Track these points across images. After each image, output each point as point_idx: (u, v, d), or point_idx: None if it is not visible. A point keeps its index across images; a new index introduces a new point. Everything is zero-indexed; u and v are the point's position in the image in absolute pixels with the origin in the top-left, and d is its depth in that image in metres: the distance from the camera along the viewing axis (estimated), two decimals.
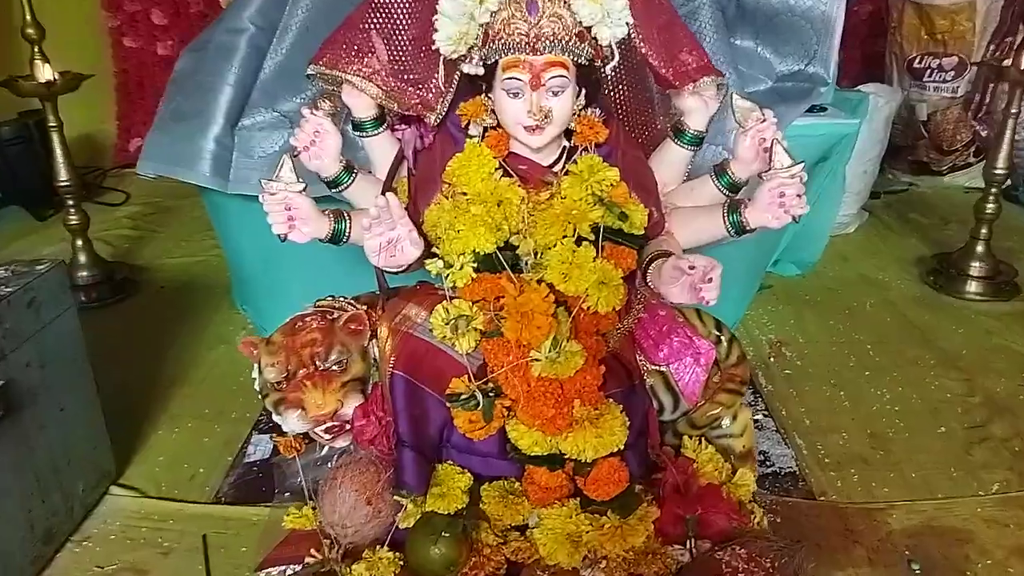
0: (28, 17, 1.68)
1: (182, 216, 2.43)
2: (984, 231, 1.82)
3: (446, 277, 0.83)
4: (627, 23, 0.83)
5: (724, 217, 0.88)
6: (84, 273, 1.85)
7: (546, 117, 0.84)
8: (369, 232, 0.81)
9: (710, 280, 0.76)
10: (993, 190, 1.78)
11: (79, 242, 1.85)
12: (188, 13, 2.95)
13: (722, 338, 0.98)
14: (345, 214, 0.90)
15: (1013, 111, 1.72)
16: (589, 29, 0.84)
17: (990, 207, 1.78)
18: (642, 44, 0.88)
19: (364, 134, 0.95)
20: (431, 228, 0.87)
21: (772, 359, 1.52)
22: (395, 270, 0.85)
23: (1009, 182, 2.43)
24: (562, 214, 0.83)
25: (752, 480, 0.95)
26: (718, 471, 0.92)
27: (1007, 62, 1.73)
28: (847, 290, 1.85)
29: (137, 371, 1.51)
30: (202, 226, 2.23)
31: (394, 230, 0.80)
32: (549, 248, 0.84)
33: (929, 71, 2.49)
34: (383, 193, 0.86)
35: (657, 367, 0.93)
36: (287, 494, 1.10)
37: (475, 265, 0.83)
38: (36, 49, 1.70)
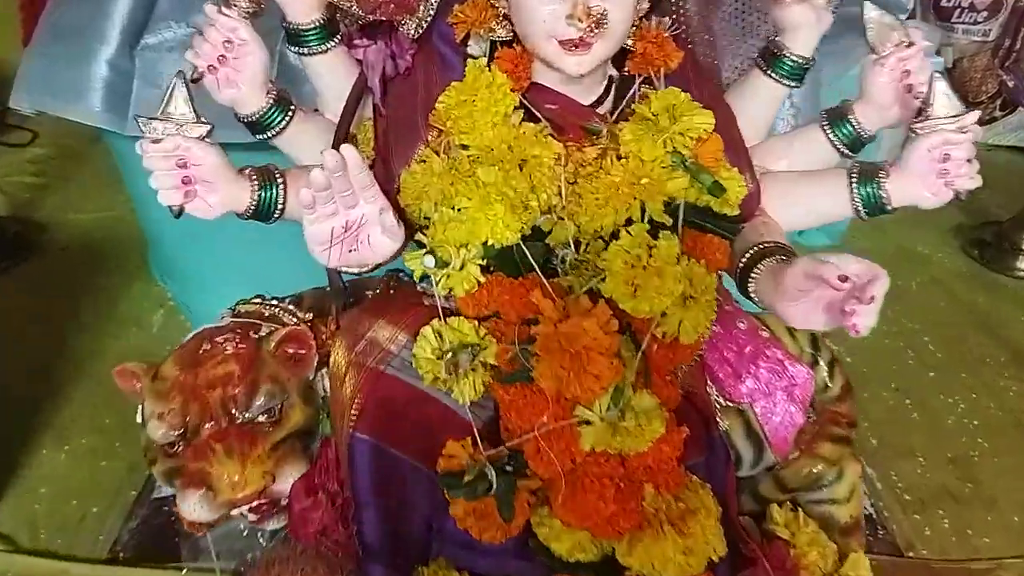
0: None
1: (98, 162, 2.05)
2: None
3: (438, 281, 0.52)
4: None
5: (852, 189, 0.59)
6: None
7: (597, 24, 0.52)
8: (313, 210, 0.49)
9: (871, 300, 0.47)
10: None
11: None
12: None
13: (820, 359, 0.69)
14: (277, 174, 0.58)
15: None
16: None
17: None
18: None
19: (306, 50, 0.62)
20: (413, 201, 0.56)
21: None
22: (356, 270, 0.53)
23: None
24: (624, 185, 0.52)
25: (868, 569, 0.67)
26: (823, 558, 0.64)
27: None
28: (887, 266, 1.54)
29: (20, 361, 1.18)
30: (117, 176, 1.86)
31: (355, 208, 0.49)
32: (601, 237, 0.53)
33: (959, 10, 2.21)
34: (335, 145, 0.54)
35: (736, 404, 0.64)
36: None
37: (484, 262, 0.52)
38: None
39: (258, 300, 0.62)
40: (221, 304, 0.79)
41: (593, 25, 0.52)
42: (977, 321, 1.38)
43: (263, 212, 0.57)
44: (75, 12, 1.08)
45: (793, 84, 0.66)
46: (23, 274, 1.50)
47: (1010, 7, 2.19)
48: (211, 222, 0.92)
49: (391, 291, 0.59)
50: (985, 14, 2.21)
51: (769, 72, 0.65)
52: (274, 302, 0.62)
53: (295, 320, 0.60)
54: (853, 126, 0.63)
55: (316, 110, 0.66)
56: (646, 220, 0.53)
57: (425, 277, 0.54)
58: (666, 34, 0.59)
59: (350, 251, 0.50)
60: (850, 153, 0.64)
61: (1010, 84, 2.31)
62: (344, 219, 0.49)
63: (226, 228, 1.08)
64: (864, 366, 1.23)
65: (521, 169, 0.53)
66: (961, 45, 2.27)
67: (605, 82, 0.61)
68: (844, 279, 0.48)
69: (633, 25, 0.58)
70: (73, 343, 1.26)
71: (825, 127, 0.64)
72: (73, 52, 1.05)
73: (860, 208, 0.60)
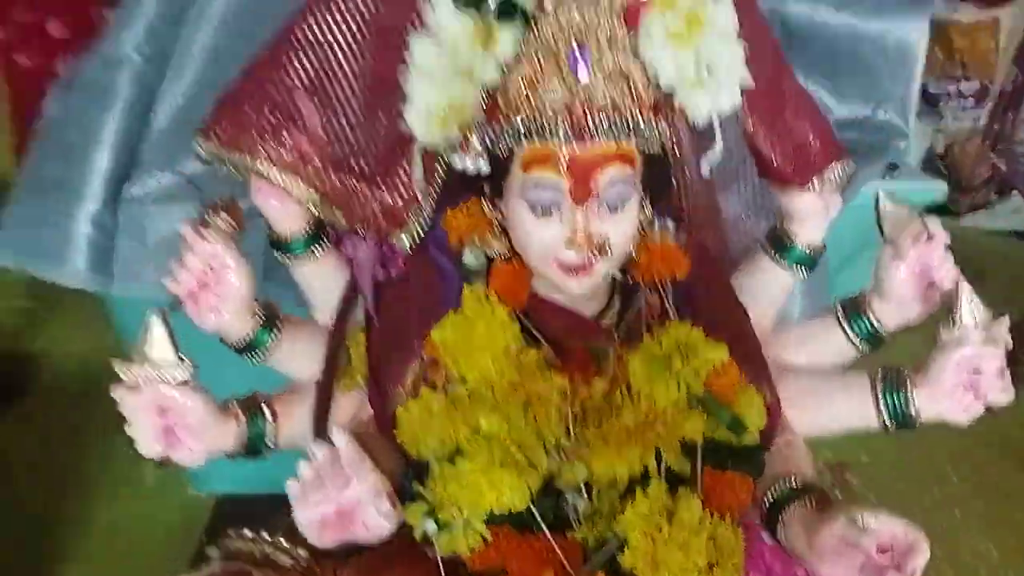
0: None
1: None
2: None
3: (441, 542, 0.47)
4: (741, 84, 0.49)
5: (877, 401, 0.55)
6: None
7: (600, 249, 0.49)
8: (303, 498, 0.45)
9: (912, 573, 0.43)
10: None
11: None
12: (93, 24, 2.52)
13: None
14: (264, 406, 0.54)
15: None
16: (670, 96, 0.49)
17: None
18: (748, 117, 0.54)
19: (291, 257, 0.59)
20: (409, 442, 0.51)
21: (836, 492, 1.20)
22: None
23: None
24: (637, 429, 0.48)
25: None
26: None
27: None
28: None
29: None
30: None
31: (347, 489, 0.44)
32: (614, 488, 0.48)
33: (947, 97, 2.23)
34: (325, 376, 0.50)
35: None
36: None
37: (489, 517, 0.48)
38: None
39: (250, 535, 0.57)
40: None
41: (596, 251, 0.48)
42: (1001, 447, 1.32)
43: (254, 447, 0.53)
44: (56, 165, 1.06)
45: (804, 270, 0.63)
46: (3, 420, 1.44)
47: (997, 93, 2.22)
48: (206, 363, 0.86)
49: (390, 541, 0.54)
50: (972, 100, 2.24)
51: (777, 258, 0.62)
52: (267, 537, 0.56)
53: (291, 560, 0.55)
54: (870, 322, 0.60)
55: (301, 316, 0.62)
56: (663, 469, 0.49)
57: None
58: (671, 239, 0.56)
59: (342, 532, 0.46)
60: (868, 347, 0.61)
61: (1003, 168, 2.34)
62: (335, 504, 0.45)
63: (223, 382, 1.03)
64: (889, 499, 1.18)
65: (526, 410, 0.49)
66: (951, 131, 2.30)
67: (609, 289, 0.57)
68: (882, 550, 0.43)
69: (638, 231, 0.55)
70: (55, 508, 1.19)
71: (841, 320, 0.61)
72: (55, 209, 1.02)
73: (887, 421, 0.55)
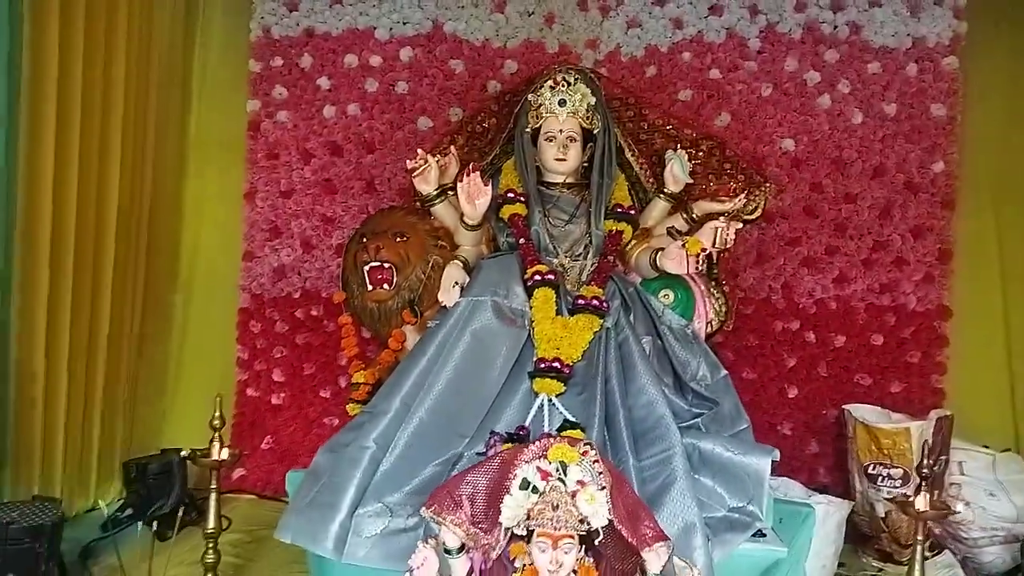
0: (217, 413, 2.45)
1: (274, 545, 2.96)
2: None
3: None
4: (607, 516, 1.49)
5: None
6: None
7: (560, 567, 1.46)
8: None
9: None
10: None
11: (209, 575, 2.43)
12: (302, 376, 3.80)
13: None
14: None
15: (919, 538, 2.27)
16: (583, 520, 1.49)
17: None
18: (617, 523, 1.53)
19: (451, 557, 1.58)
20: None
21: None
22: None
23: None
24: None
25: None
26: None
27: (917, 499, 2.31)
28: None
29: None
30: (290, 558, 2.81)
31: None
32: None
33: (881, 477, 3.09)
34: None
35: None
36: None
37: None
38: (217, 435, 2.44)
39: None
40: None
41: (559, 566, 1.45)
42: None
43: None
44: (324, 495, 2.11)
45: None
46: None
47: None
48: None
49: None
50: (900, 482, 3.07)
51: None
52: None
53: None
54: None
55: None
56: None
57: None
58: (589, 564, 1.50)
59: None
60: None
61: (936, 531, 3.11)
62: None
63: None
64: None
65: None
66: (887, 501, 3.11)
67: None
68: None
69: (577, 559, 1.50)
70: None
71: None
72: (321, 516, 2.05)
73: None
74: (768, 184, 2.80)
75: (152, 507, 3.11)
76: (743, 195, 2.65)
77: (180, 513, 1.93)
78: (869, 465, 3.12)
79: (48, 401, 2.88)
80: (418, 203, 2.74)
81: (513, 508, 1.48)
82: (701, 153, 2.81)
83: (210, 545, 2.43)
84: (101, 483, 3.27)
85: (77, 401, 3.06)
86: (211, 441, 2.44)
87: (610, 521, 1.49)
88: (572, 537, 1.47)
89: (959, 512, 2.85)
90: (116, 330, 3.27)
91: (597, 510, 1.47)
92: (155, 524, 3.05)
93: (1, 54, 2.62)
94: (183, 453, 2.52)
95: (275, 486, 3.51)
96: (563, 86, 2.65)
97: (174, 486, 3.08)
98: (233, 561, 2.90)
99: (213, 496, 2.44)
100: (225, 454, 2.40)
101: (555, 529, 1.46)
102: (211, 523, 2.42)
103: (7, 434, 2.72)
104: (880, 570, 3.08)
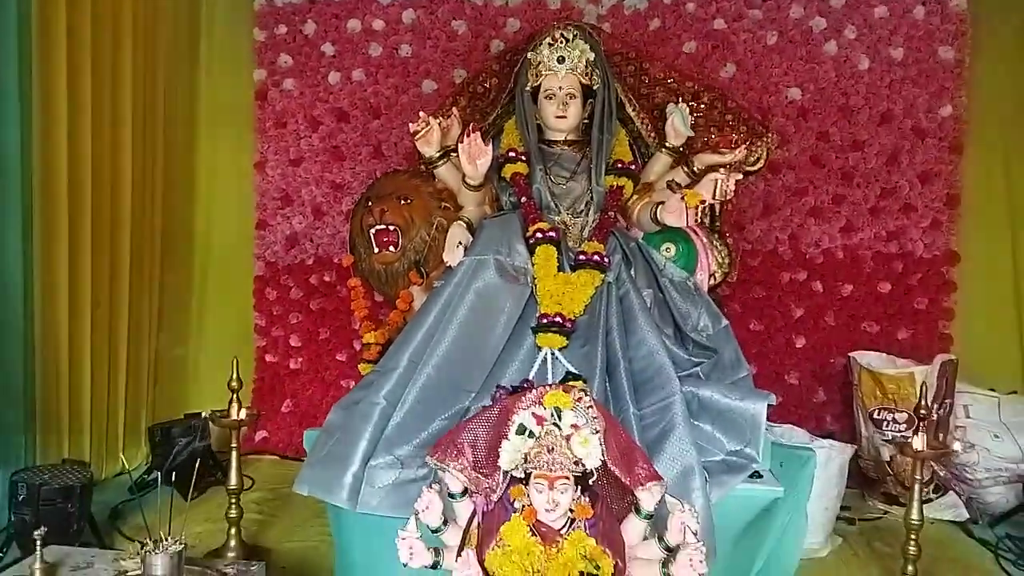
0: (235, 374, 2.54)
1: (295, 503, 3.11)
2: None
3: None
4: (600, 457, 1.55)
5: (660, 569, 1.53)
6: (232, 555, 2.52)
7: (557, 506, 1.53)
8: None
9: None
10: (913, 537, 2.32)
11: (232, 531, 2.55)
12: (318, 340, 3.90)
13: None
14: (441, 551, 1.58)
15: (917, 477, 2.33)
16: (578, 462, 1.56)
17: (912, 549, 2.31)
18: (611, 464, 1.59)
19: (455, 501, 1.66)
20: (490, 566, 1.53)
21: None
22: None
23: (968, 516, 3.00)
24: (563, 563, 1.49)
25: None
26: None
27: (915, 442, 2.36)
28: None
29: None
30: (312, 514, 2.92)
31: None
32: None
33: (886, 422, 3.13)
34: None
35: None
36: None
37: None
38: (235, 396, 2.53)
39: None
40: None
41: (556, 506, 1.52)
42: None
43: (435, 565, 1.55)
44: (338, 447, 2.19)
45: (648, 520, 1.62)
46: None
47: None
48: (381, 566, 1.89)
49: None
50: (905, 425, 3.11)
51: (636, 515, 1.62)
52: None
53: None
54: (666, 542, 1.58)
55: (456, 520, 1.68)
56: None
57: None
58: (584, 503, 1.57)
59: None
60: (667, 553, 1.58)
61: (940, 472, 3.15)
62: None
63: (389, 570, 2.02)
64: None
65: (528, 555, 1.49)
66: (895, 444, 3.16)
67: (566, 519, 1.59)
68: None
69: (574, 499, 1.57)
70: None
71: (656, 542, 1.59)
72: (336, 469, 2.14)
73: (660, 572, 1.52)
74: (770, 134, 2.80)
75: (176, 468, 3.23)
76: (744, 146, 2.66)
77: (196, 468, 2.01)
78: (874, 411, 3.17)
79: (73, 370, 2.99)
80: (421, 166, 2.78)
81: (511, 452, 1.55)
82: (703, 106, 2.81)
83: (233, 501, 2.55)
84: (128, 448, 3.40)
85: (101, 369, 3.18)
86: (229, 402, 2.54)
87: (604, 462, 1.56)
88: (567, 478, 1.53)
89: (956, 451, 2.90)
90: (136, 301, 3.37)
91: (591, 452, 1.53)
92: (173, 481, 3.21)
93: (10, 33, 2.67)
94: (204, 414, 2.62)
95: (296, 447, 3.63)
96: (561, 43, 2.66)
97: (196, 447, 3.20)
98: (257, 518, 3.03)
99: (234, 455, 2.55)
100: (243, 414, 2.50)
101: (551, 471, 1.53)
102: (233, 481, 2.53)
103: (36, 402, 2.84)
104: (886, 513, 3.14)
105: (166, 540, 1.62)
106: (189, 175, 3.87)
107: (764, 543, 2.19)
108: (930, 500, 3.08)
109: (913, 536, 2.32)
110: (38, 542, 1.67)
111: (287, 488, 3.26)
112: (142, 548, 1.61)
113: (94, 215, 3.04)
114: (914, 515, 2.32)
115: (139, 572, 1.66)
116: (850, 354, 3.31)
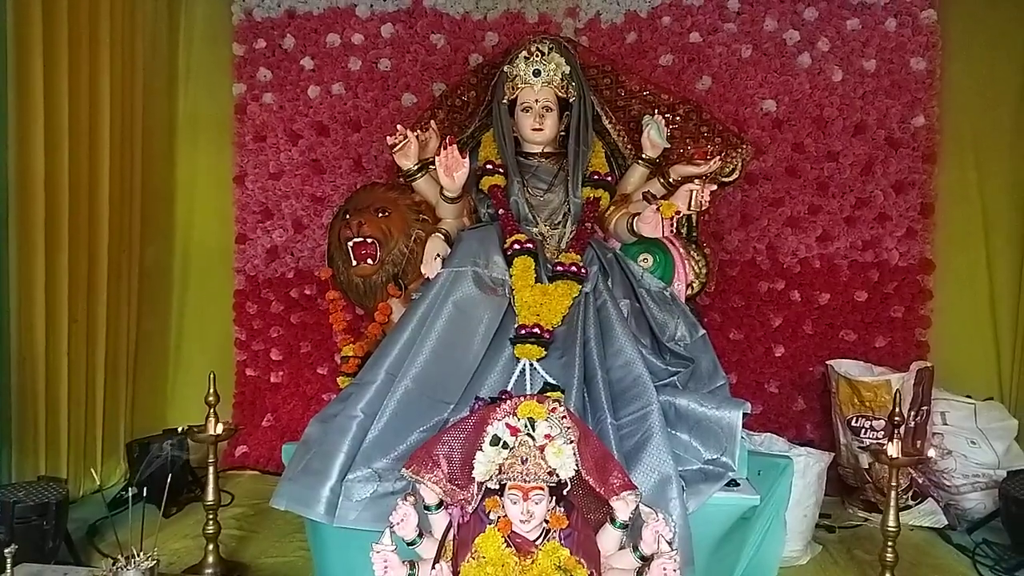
0: (211, 389, 2.52)
1: (275, 518, 3.09)
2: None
3: None
4: (574, 467, 1.55)
5: None
6: (209, 571, 2.49)
7: (532, 516, 1.53)
8: None
9: None
10: (890, 544, 2.33)
11: (210, 547, 2.53)
12: (299, 354, 3.88)
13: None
14: (416, 564, 1.57)
15: (893, 484, 2.34)
16: (552, 472, 1.56)
17: (889, 556, 2.33)
18: (585, 474, 1.59)
19: (430, 513, 1.66)
20: None
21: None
22: None
23: (946, 522, 3.02)
24: (538, 574, 1.49)
25: None
26: None
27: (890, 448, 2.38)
28: None
29: None
30: (291, 529, 2.90)
31: None
32: None
33: (864, 430, 3.15)
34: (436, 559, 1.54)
35: None
36: None
37: None
38: (212, 411, 2.52)
39: None
40: None
41: (530, 516, 1.52)
42: None
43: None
44: (315, 462, 2.19)
45: (623, 531, 1.62)
46: None
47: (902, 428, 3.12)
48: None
49: None
50: (882, 432, 3.13)
51: (612, 526, 1.62)
52: None
53: None
54: (641, 551, 1.58)
55: (430, 533, 1.67)
56: None
57: None
58: (560, 514, 1.57)
59: None
60: (640, 562, 1.58)
61: (919, 480, 3.18)
62: None
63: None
64: None
65: (502, 567, 1.49)
66: (871, 451, 3.17)
67: (541, 530, 1.58)
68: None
69: (549, 509, 1.57)
70: None
71: (630, 552, 1.59)
72: (313, 483, 2.13)
73: None
74: (745, 146, 2.83)
75: (152, 484, 3.20)
76: (719, 158, 2.69)
77: (168, 484, 2.00)
78: (852, 418, 3.19)
79: (50, 385, 2.97)
80: (400, 178, 2.79)
81: (485, 463, 1.55)
82: (678, 118, 2.84)
83: (210, 517, 2.52)
84: (106, 464, 3.37)
85: (78, 385, 3.15)
86: (207, 417, 2.52)
87: (578, 472, 1.56)
88: (542, 489, 1.54)
89: (931, 458, 2.92)
90: (114, 315, 3.35)
91: (564, 462, 1.54)
92: (147, 497, 3.18)
93: None
94: (180, 429, 2.60)
95: (276, 462, 3.59)
96: (537, 56, 2.69)
97: (174, 461, 3.17)
98: (236, 533, 3.00)
99: (211, 470, 2.53)
100: (220, 429, 2.48)
101: (525, 481, 1.53)
102: (210, 496, 2.51)
103: (11, 417, 2.80)
104: (865, 520, 3.15)
105: (138, 556, 1.60)
106: (168, 189, 3.85)
107: (743, 551, 2.20)
108: (909, 507, 3.11)
109: (890, 543, 2.34)
110: (8, 560, 1.65)
111: (267, 503, 3.22)
112: (114, 564, 1.59)
113: (71, 229, 3.02)
114: (891, 522, 2.33)
115: None
116: (828, 362, 3.34)
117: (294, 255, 3.84)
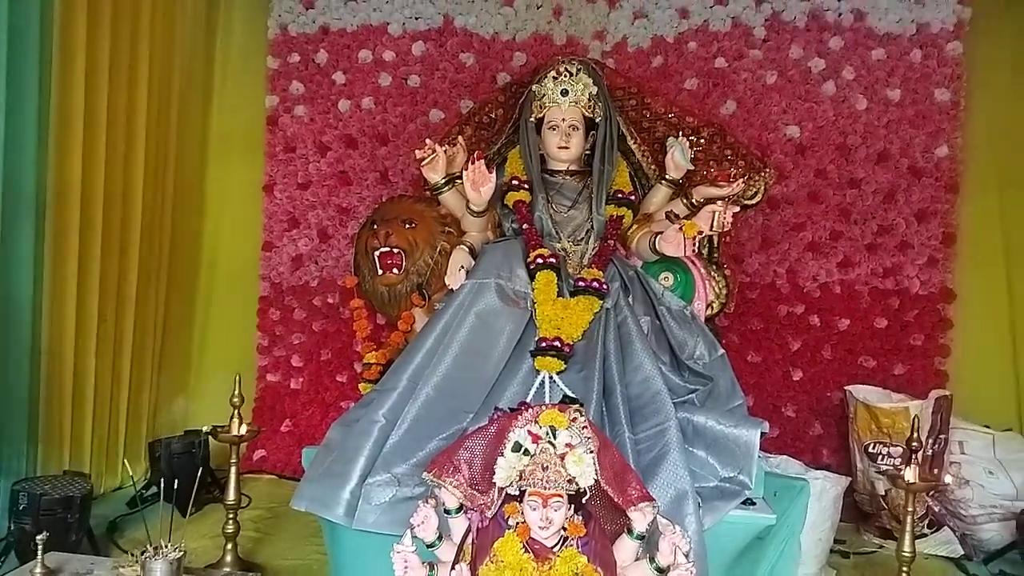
0: (237, 391, 2.58)
1: (292, 521, 3.12)
2: None
3: None
4: (594, 476, 1.58)
5: None
6: (227, 570, 2.53)
7: (550, 523, 1.56)
8: None
9: None
10: (904, 569, 2.33)
11: (229, 546, 2.57)
12: (319, 361, 3.93)
13: None
14: (435, 565, 1.60)
15: (909, 509, 2.34)
16: (572, 480, 1.59)
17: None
18: (604, 483, 1.62)
19: (450, 517, 1.69)
20: None
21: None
22: None
23: (963, 552, 3.00)
24: None
25: None
26: None
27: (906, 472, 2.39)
28: None
29: None
30: (307, 532, 2.94)
31: None
32: None
33: (881, 456, 3.15)
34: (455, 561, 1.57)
35: None
36: None
37: None
38: (237, 412, 2.57)
39: None
40: None
41: (549, 523, 1.55)
42: None
43: None
44: (337, 465, 2.22)
45: (640, 541, 1.65)
46: None
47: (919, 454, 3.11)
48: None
49: None
50: (900, 459, 3.13)
51: (628, 536, 1.64)
52: None
53: None
54: (658, 563, 1.60)
55: (450, 537, 1.70)
56: None
57: None
58: (577, 521, 1.60)
59: None
60: (658, 574, 1.60)
61: (935, 508, 3.16)
62: None
63: None
64: None
65: (520, 572, 1.52)
66: (887, 475, 3.16)
67: (558, 537, 1.61)
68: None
69: (567, 517, 1.60)
70: None
71: (646, 563, 1.61)
72: (333, 485, 2.17)
73: None
74: (767, 169, 2.86)
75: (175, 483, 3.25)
76: (741, 180, 2.72)
77: (195, 485, 2.04)
78: (869, 444, 3.18)
79: (77, 383, 3.03)
80: (427, 191, 2.84)
81: (506, 469, 1.58)
82: (702, 140, 2.88)
83: (230, 516, 2.57)
84: (128, 462, 3.42)
85: (104, 383, 3.22)
86: (231, 418, 2.57)
87: (597, 482, 1.59)
88: (561, 496, 1.57)
89: (947, 484, 2.91)
90: (141, 318, 3.42)
91: (584, 471, 1.57)
92: (165, 495, 3.22)
93: (32, 58, 2.75)
94: (204, 429, 2.65)
95: (294, 467, 3.64)
96: (566, 76, 2.74)
97: (196, 464, 3.22)
98: (253, 535, 3.04)
99: (233, 470, 2.57)
100: (244, 429, 2.53)
101: (545, 488, 1.56)
102: (231, 496, 2.56)
103: (39, 413, 2.87)
104: (880, 547, 3.14)
105: (166, 547, 1.64)
106: (199, 197, 3.94)
107: (757, 570, 2.21)
108: (924, 536, 3.09)
109: (905, 569, 2.33)
110: (40, 547, 1.70)
111: (284, 507, 3.29)
112: (142, 554, 1.63)
113: (104, 231, 3.10)
114: (906, 547, 2.33)
115: None
116: (846, 388, 3.33)
117: (318, 264, 3.91)
